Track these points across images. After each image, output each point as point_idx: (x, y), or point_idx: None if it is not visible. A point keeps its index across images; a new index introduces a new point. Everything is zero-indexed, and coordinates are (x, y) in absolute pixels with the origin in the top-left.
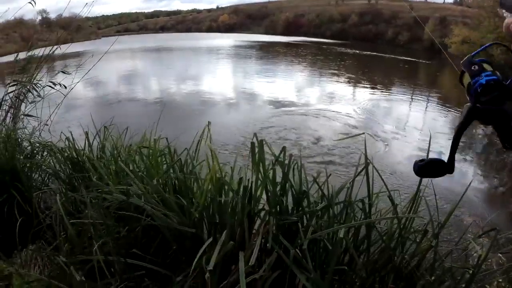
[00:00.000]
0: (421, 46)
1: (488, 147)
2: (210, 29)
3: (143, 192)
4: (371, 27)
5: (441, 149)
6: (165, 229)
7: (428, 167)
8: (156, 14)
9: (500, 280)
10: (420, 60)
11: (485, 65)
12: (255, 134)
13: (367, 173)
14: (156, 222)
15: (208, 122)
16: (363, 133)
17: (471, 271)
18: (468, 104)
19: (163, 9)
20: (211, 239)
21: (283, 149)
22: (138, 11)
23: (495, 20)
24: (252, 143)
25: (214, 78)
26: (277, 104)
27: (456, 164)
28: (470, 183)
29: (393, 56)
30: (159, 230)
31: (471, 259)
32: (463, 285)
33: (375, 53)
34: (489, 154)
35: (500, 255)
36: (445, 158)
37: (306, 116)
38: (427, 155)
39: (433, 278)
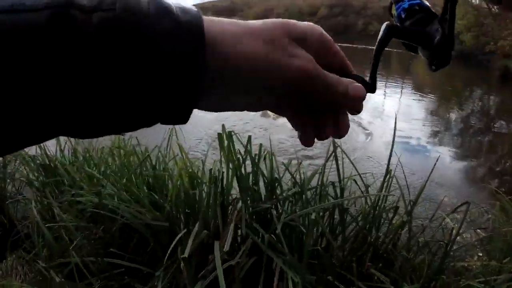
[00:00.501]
0: None
1: (464, 130)
2: None
3: (115, 192)
4: (340, 18)
5: (419, 134)
6: (140, 226)
7: None
8: None
9: (480, 254)
10: (392, 49)
11: None
12: (223, 126)
13: (336, 158)
14: (129, 221)
15: None
16: None
17: (444, 244)
18: (387, 22)
19: None
20: (185, 231)
21: (249, 138)
22: None
23: (464, 6)
24: (219, 134)
25: None
26: None
27: (433, 147)
28: (437, 159)
29: (364, 46)
30: (135, 228)
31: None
32: (439, 258)
33: (346, 45)
34: (465, 136)
35: (479, 230)
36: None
37: None
38: (393, 138)
39: (411, 254)
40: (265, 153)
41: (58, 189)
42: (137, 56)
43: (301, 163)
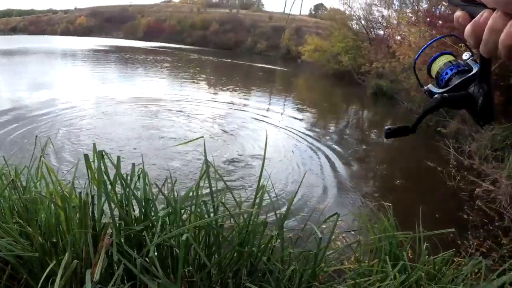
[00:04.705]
0: (278, 53)
1: (341, 141)
2: (66, 32)
3: None
4: (231, 35)
5: (296, 143)
6: (11, 257)
7: (395, 132)
8: (8, 13)
9: (357, 254)
10: (277, 67)
11: (444, 57)
12: (94, 146)
13: (208, 176)
14: None
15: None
16: (202, 137)
17: (313, 253)
18: (437, 96)
19: (15, 7)
20: (54, 262)
21: (118, 158)
22: None
23: (344, 30)
24: (86, 155)
25: (67, 85)
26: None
27: (313, 158)
28: (304, 175)
29: (249, 63)
30: (7, 260)
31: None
32: (312, 265)
33: (233, 61)
34: (343, 147)
35: (353, 232)
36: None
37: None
38: (264, 154)
39: (285, 265)
40: (139, 172)
41: None
42: None
43: (175, 181)
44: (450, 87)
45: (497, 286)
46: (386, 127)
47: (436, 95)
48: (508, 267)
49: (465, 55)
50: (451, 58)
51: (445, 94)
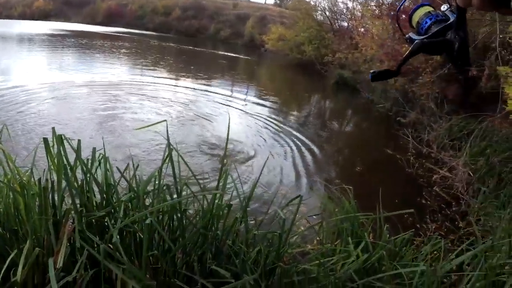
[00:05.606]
0: (242, 42)
1: (304, 129)
2: (23, 16)
3: None
4: (194, 21)
5: (260, 129)
6: None
7: (380, 75)
8: None
9: (321, 237)
10: (240, 56)
11: (424, 9)
12: (53, 129)
13: (171, 160)
14: None
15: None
16: (165, 121)
17: (278, 234)
18: (418, 41)
19: None
20: (16, 251)
21: (79, 142)
22: None
23: (308, 21)
24: (45, 139)
25: (23, 70)
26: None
27: (277, 145)
28: (266, 160)
29: (212, 51)
30: None
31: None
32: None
33: (195, 48)
34: (309, 135)
35: (314, 217)
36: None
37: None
38: (227, 138)
39: (250, 247)
40: (100, 157)
41: None
42: None
43: (137, 166)
44: (429, 34)
45: (455, 264)
46: (372, 71)
47: (416, 41)
48: (466, 247)
49: (443, 7)
50: (430, 9)
51: (425, 40)
